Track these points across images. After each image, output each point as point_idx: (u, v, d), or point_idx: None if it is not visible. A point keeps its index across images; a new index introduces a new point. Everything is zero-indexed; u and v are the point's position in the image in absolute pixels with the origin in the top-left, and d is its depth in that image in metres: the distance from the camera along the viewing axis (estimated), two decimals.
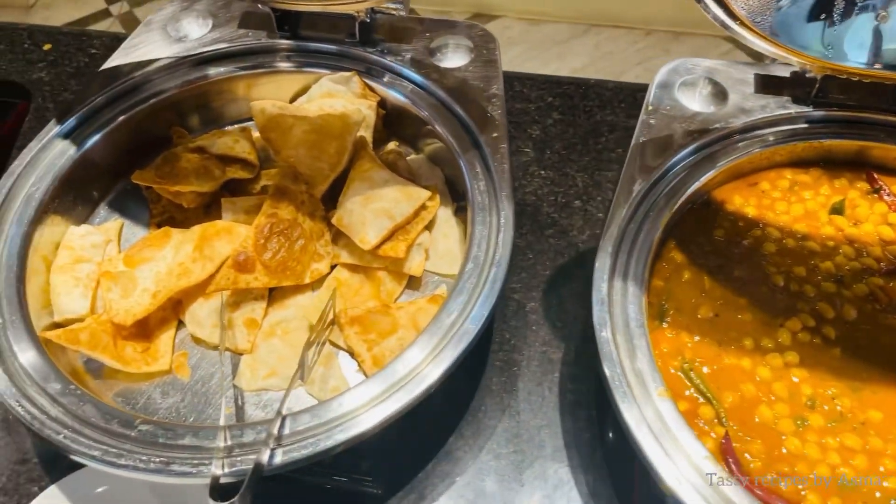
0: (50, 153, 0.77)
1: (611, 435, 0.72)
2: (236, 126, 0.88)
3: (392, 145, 0.85)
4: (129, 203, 0.84)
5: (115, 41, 1.09)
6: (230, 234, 0.74)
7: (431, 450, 0.72)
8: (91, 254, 0.77)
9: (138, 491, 0.68)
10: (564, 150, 0.94)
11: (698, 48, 2.58)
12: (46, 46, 1.09)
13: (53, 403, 0.61)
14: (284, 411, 0.59)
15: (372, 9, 0.82)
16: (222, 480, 0.55)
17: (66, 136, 0.79)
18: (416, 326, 0.71)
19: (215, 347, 0.72)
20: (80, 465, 0.68)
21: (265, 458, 0.56)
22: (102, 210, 0.83)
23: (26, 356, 0.64)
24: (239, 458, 0.56)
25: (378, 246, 0.73)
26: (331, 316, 0.71)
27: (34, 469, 0.72)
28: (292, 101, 0.88)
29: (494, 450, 0.72)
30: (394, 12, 0.82)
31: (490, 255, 0.68)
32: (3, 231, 0.72)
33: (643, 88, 0.99)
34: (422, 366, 0.62)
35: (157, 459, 0.57)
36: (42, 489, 0.70)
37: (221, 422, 0.60)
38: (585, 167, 0.92)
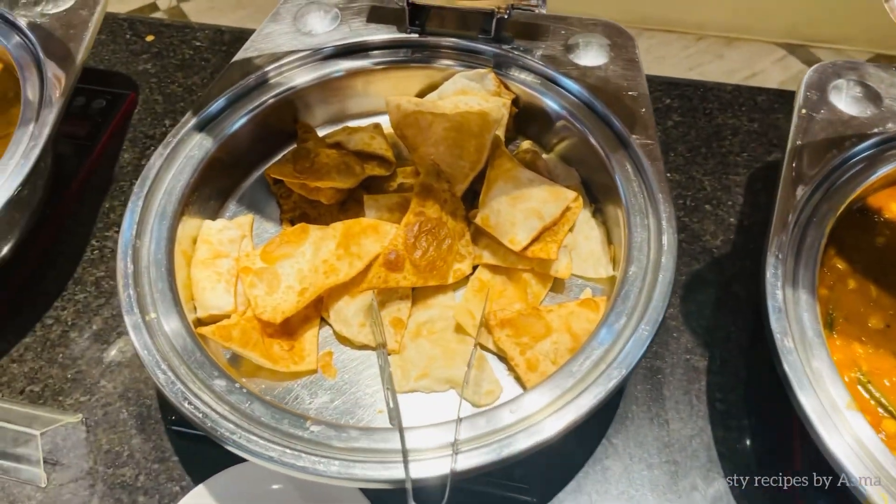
0: (187, 147, 0.76)
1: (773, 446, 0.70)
2: (368, 122, 0.86)
3: (527, 144, 0.83)
4: (257, 197, 0.82)
5: (217, 33, 1.08)
6: (377, 232, 0.72)
7: (582, 457, 0.70)
8: (228, 249, 0.75)
9: (286, 490, 0.67)
10: (688, 152, 0.92)
11: (752, 54, 2.55)
12: (149, 38, 1.07)
13: (219, 401, 0.60)
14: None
15: (512, 5, 0.80)
16: (410, 485, 0.54)
17: (202, 128, 0.77)
18: (569, 330, 0.69)
19: (362, 347, 0.71)
20: (221, 464, 0.67)
21: (455, 462, 0.54)
22: (232, 205, 0.81)
23: (188, 354, 0.62)
24: (427, 462, 0.55)
25: (526, 247, 0.71)
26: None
27: (174, 468, 0.70)
28: (419, 96, 0.87)
29: (646, 459, 0.70)
30: (533, 9, 0.80)
31: (652, 259, 0.67)
32: (149, 225, 0.70)
33: (763, 91, 0.97)
34: (597, 370, 0.60)
35: (337, 461, 0.55)
36: (183, 489, 0.69)
37: (399, 423, 0.58)
38: (712, 171, 0.90)
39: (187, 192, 0.74)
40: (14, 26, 0.87)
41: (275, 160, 0.84)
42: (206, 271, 0.72)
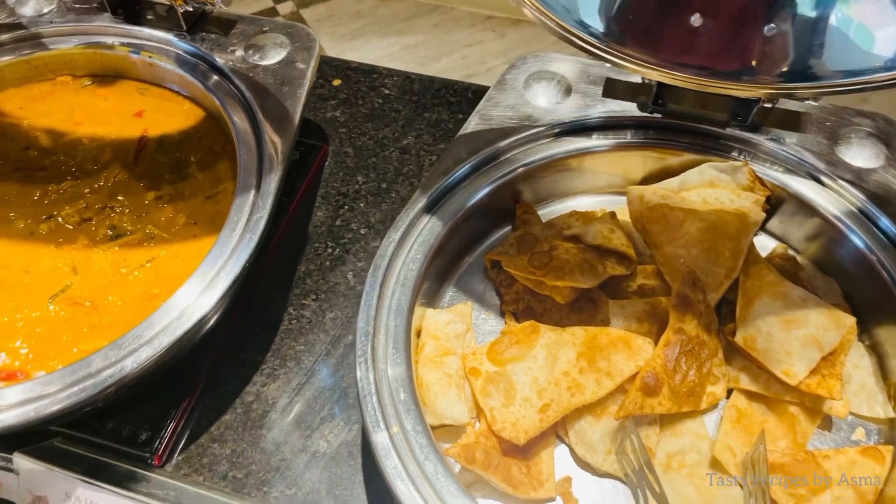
0: (416, 230, 0.70)
1: None
2: (584, 202, 0.80)
3: (780, 248, 0.75)
4: (472, 282, 0.76)
5: (406, 81, 1.03)
6: (629, 348, 0.65)
7: None
8: (455, 345, 0.69)
9: None
10: None
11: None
12: (336, 82, 1.03)
13: None
14: None
15: (777, 92, 0.71)
16: None
17: (430, 210, 0.72)
18: (852, 485, 0.60)
19: (605, 475, 0.64)
20: None
21: None
22: (450, 290, 0.75)
23: (437, 477, 0.56)
24: None
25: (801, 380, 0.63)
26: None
27: None
28: (647, 181, 0.79)
29: None
30: (804, 99, 0.71)
31: None
32: (383, 320, 0.65)
33: None
34: None
35: None
36: None
37: None
38: None
39: (419, 282, 0.68)
40: (222, 73, 0.83)
41: (490, 243, 0.78)
42: (435, 372, 0.66)
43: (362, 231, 0.88)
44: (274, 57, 0.83)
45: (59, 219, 0.76)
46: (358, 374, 0.61)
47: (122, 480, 0.67)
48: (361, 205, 0.90)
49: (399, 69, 1.05)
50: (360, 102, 1.00)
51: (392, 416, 0.59)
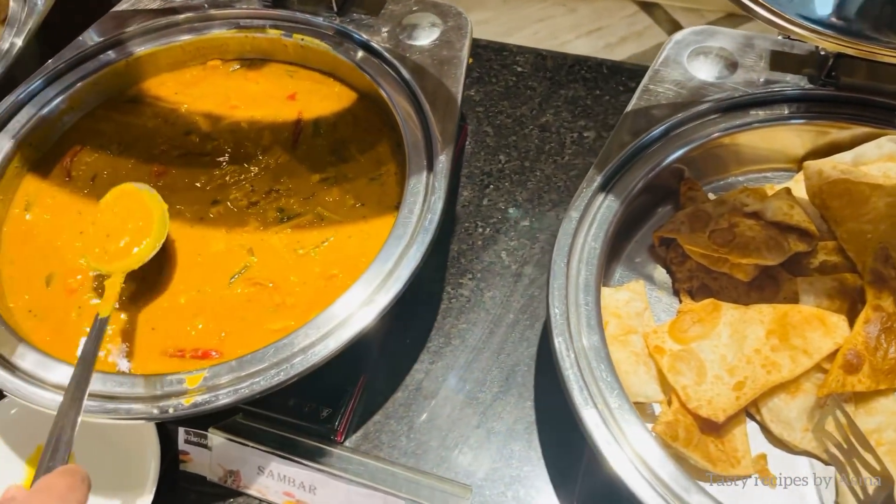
0: (593, 209, 0.70)
1: None
2: (745, 179, 0.79)
3: None
4: (639, 260, 0.76)
5: (538, 58, 1.02)
6: (824, 325, 0.64)
7: None
8: (636, 323, 0.69)
9: None
10: None
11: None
12: (469, 60, 1.02)
13: None
14: None
15: None
16: None
17: (605, 188, 0.71)
18: None
19: (803, 452, 0.64)
20: None
21: None
22: (619, 268, 0.75)
23: (657, 461, 0.57)
24: None
25: None
26: None
27: None
28: (813, 155, 0.78)
29: None
30: None
31: None
32: (572, 300, 0.65)
33: None
34: None
35: None
36: None
37: None
38: None
39: (603, 260, 0.68)
40: (376, 54, 0.83)
41: (653, 221, 0.78)
42: (623, 351, 0.67)
43: (510, 210, 0.88)
44: (427, 37, 0.83)
45: (228, 203, 0.78)
46: (557, 350, 0.61)
47: (311, 455, 0.69)
48: (507, 184, 0.90)
49: (529, 46, 1.04)
50: (494, 80, 1.00)
51: (596, 393, 0.60)
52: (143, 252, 0.70)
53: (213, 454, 0.70)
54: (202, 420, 0.70)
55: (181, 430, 0.70)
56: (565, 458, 0.70)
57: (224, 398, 0.60)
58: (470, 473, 0.70)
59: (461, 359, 0.77)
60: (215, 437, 0.69)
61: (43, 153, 0.82)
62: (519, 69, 1.01)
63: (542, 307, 0.80)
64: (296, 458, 0.68)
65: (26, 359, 0.64)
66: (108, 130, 0.85)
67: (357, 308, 0.65)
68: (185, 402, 0.60)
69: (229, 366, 0.62)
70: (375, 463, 0.71)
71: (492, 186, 0.90)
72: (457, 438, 0.72)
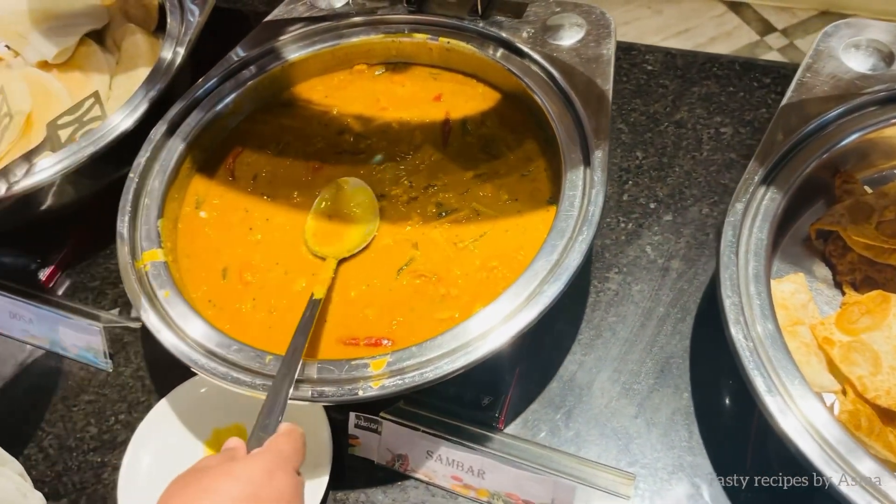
0: (756, 201, 0.71)
1: None
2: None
3: None
4: (792, 252, 0.76)
5: (668, 56, 1.03)
6: None
7: None
8: (801, 314, 0.69)
9: None
10: None
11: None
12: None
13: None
14: None
15: None
16: None
17: (766, 180, 0.72)
18: None
19: None
20: None
21: None
22: (776, 261, 0.76)
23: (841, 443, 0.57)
24: None
25: None
26: None
27: None
28: None
29: None
30: None
31: None
32: (742, 290, 0.66)
33: None
34: None
35: None
36: None
37: None
38: None
39: (770, 251, 0.68)
40: (522, 54, 0.85)
41: (808, 214, 0.78)
42: (794, 341, 0.67)
43: (651, 205, 0.89)
44: (572, 37, 0.85)
45: (391, 199, 0.81)
46: (734, 338, 0.62)
47: (476, 440, 0.72)
48: (646, 179, 0.91)
49: (658, 45, 1.05)
50: (625, 79, 1.01)
51: (777, 381, 0.60)
52: (355, 241, 0.78)
53: (383, 438, 0.73)
54: (366, 406, 0.73)
55: (352, 414, 0.73)
56: (729, 448, 0.71)
57: (410, 381, 0.63)
58: (632, 462, 0.72)
59: (613, 351, 0.79)
60: (387, 423, 0.72)
61: (208, 155, 0.88)
62: (649, 67, 1.02)
63: (692, 301, 0.81)
64: (465, 442, 0.71)
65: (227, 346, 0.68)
66: (265, 132, 0.90)
67: (525, 300, 0.67)
68: (374, 384, 0.64)
69: (410, 351, 0.65)
70: (539, 450, 0.73)
71: (630, 182, 0.91)
72: (616, 428, 0.74)
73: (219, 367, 0.67)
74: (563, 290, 0.66)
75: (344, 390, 0.64)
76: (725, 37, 1.98)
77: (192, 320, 0.70)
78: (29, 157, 0.84)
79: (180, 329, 0.70)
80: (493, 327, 0.65)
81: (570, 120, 0.79)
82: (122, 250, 0.75)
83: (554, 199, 0.77)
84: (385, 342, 0.71)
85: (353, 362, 0.65)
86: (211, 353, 0.68)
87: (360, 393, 0.64)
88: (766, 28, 1.55)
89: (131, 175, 0.81)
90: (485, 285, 0.73)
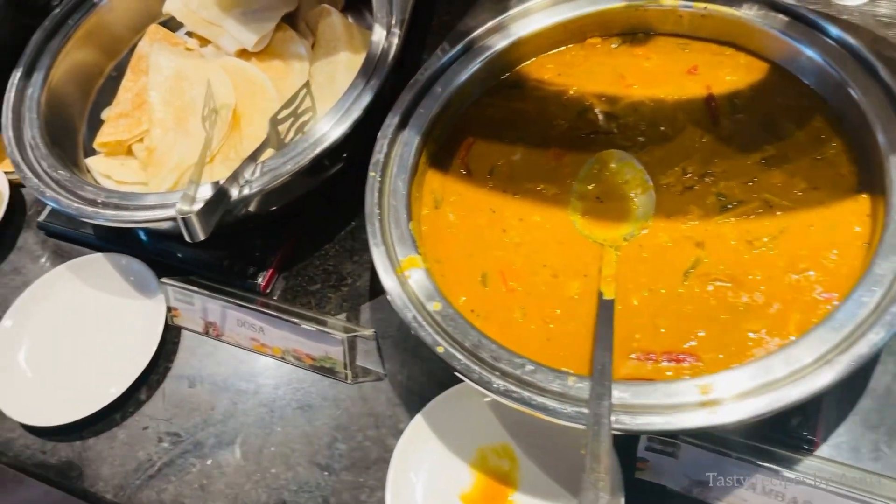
0: None
1: None
2: None
3: None
4: None
5: None
6: None
7: None
8: None
9: None
10: None
11: None
12: None
13: None
14: None
15: None
16: None
17: None
18: None
19: None
20: None
21: None
22: None
23: None
24: None
25: None
26: None
27: None
28: None
29: None
30: None
31: None
32: None
33: None
34: None
35: None
36: None
37: None
38: None
39: None
40: (802, 19, 0.74)
41: None
42: None
43: None
44: None
45: (662, 189, 0.72)
46: None
47: (786, 464, 0.63)
48: None
49: None
50: None
51: None
52: (632, 223, 0.70)
53: (680, 462, 0.65)
54: None
55: (643, 436, 0.65)
56: None
57: (753, 408, 0.55)
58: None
59: None
60: (684, 445, 0.64)
61: (439, 147, 0.80)
62: None
63: None
64: (780, 469, 0.62)
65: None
66: (495, 117, 0.82)
67: (869, 314, 0.57)
68: (709, 411, 0.55)
69: (735, 373, 0.57)
70: (861, 475, 0.64)
71: None
72: None
73: (519, 390, 0.60)
74: None
75: (673, 419, 0.56)
76: None
77: (472, 335, 0.64)
78: (255, 156, 0.78)
79: (461, 345, 0.63)
80: (826, 351, 0.56)
81: (879, 90, 0.67)
82: (381, 259, 0.69)
83: (865, 186, 0.66)
84: (688, 359, 0.63)
85: (672, 385, 0.58)
86: (505, 374, 0.61)
87: (695, 422, 0.56)
88: None
89: (372, 174, 0.75)
90: (796, 291, 0.64)
